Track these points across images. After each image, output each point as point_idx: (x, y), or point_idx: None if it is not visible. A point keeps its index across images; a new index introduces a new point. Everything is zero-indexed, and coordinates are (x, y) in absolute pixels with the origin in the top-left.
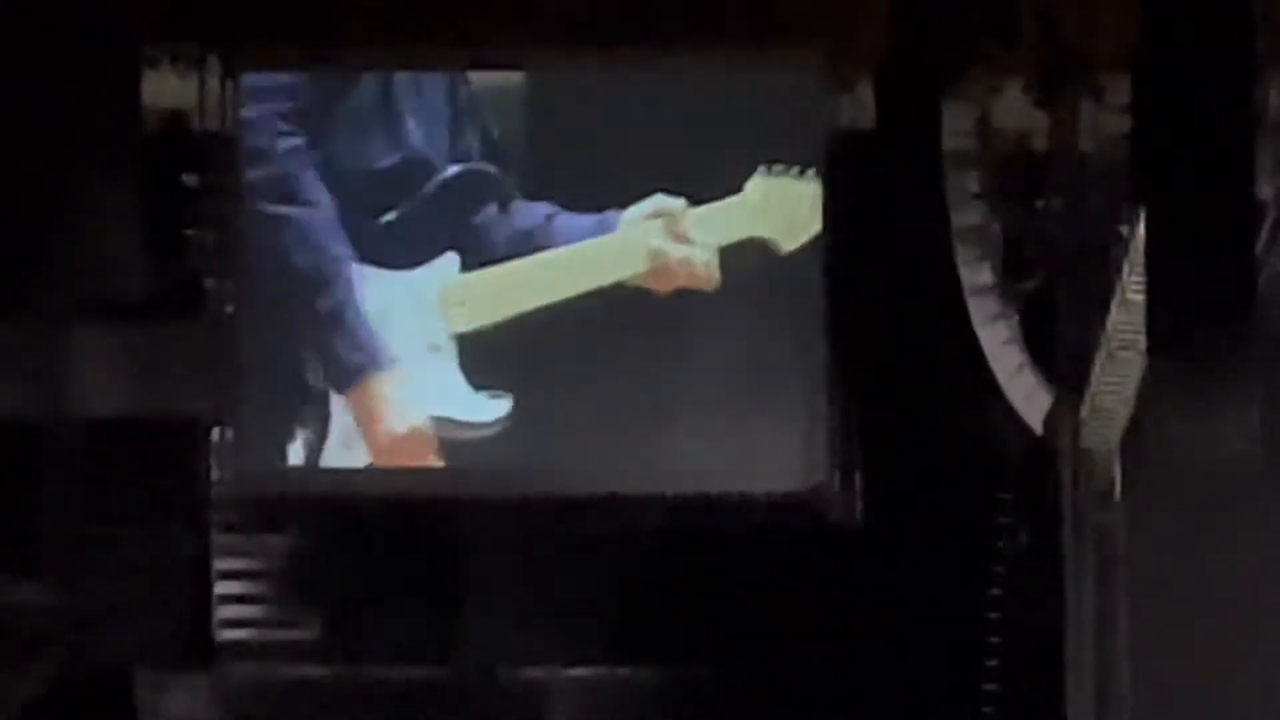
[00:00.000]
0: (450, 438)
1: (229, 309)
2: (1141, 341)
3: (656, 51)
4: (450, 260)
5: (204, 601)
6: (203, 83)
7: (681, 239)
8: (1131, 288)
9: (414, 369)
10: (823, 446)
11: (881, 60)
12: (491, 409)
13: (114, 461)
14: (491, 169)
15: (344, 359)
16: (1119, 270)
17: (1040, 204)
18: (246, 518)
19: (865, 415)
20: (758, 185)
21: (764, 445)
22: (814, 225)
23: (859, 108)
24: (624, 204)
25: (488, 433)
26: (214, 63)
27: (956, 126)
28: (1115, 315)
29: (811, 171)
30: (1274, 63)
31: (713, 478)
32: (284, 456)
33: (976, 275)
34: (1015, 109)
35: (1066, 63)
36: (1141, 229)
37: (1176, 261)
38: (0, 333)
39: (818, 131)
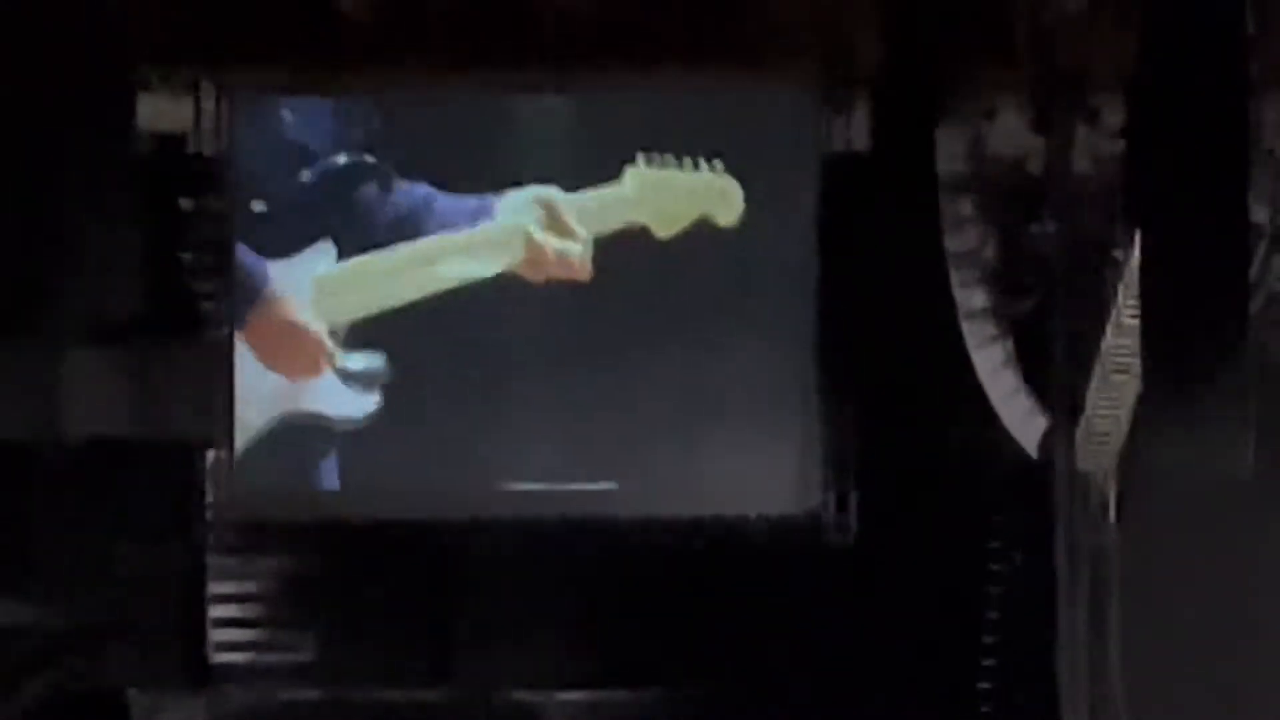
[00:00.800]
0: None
1: (224, 331)
2: (1136, 364)
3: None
4: (326, 249)
5: (199, 623)
6: (198, 106)
7: (561, 229)
8: (1126, 310)
9: None
10: (818, 469)
11: (876, 84)
12: (360, 404)
13: (110, 483)
14: (370, 158)
15: None
16: (1114, 293)
17: (1035, 227)
18: (242, 540)
19: (860, 438)
20: (634, 175)
21: (759, 468)
22: (692, 214)
23: (854, 131)
24: (500, 189)
25: (353, 428)
26: (209, 86)
27: (951, 150)
28: (1110, 338)
29: (692, 160)
30: (1267, 86)
31: (707, 500)
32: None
33: (971, 298)
34: (1010, 132)
35: (1062, 86)
36: (1136, 252)
37: (1171, 284)
38: None
39: (811, 154)
